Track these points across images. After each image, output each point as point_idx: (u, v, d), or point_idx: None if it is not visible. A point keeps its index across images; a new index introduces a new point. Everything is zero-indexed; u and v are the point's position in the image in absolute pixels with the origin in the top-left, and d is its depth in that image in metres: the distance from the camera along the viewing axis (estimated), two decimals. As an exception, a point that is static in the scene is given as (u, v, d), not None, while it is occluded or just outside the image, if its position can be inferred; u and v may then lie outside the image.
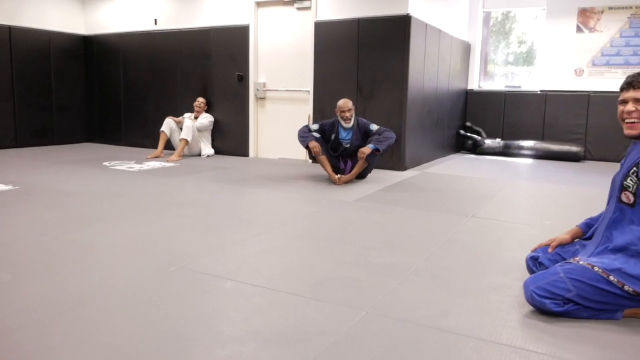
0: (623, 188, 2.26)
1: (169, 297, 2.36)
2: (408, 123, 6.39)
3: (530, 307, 2.29)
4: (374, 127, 5.48)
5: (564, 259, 2.45)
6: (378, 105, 6.43)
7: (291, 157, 7.26)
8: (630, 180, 2.22)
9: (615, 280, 2.15)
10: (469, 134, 8.60)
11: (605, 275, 2.16)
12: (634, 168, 2.21)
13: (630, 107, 2.28)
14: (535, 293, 2.23)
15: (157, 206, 4.27)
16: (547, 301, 2.21)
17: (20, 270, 2.68)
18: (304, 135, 5.47)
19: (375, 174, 6.01)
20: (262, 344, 1.93)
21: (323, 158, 5.47)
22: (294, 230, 3.66)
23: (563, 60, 8.10)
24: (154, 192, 4.84)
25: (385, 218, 4.02)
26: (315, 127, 5.59)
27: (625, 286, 2.14)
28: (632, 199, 2.22)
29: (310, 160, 5.43)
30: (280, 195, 4.82)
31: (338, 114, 5.51)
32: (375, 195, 4.87)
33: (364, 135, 5.53)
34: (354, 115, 5.52)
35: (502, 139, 8.48)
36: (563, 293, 2.19)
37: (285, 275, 2.70)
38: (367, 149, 5.26)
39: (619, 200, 2.30)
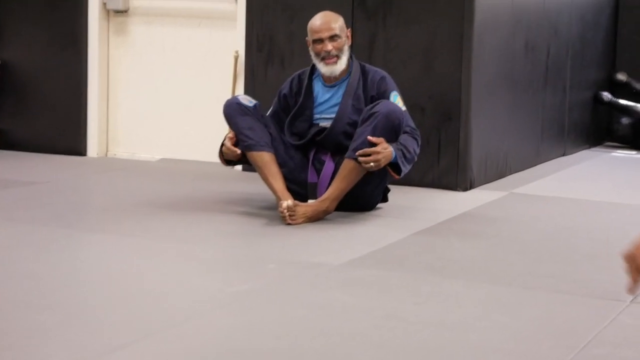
0: None
1: None
2: (475, 80, 2.78)
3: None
4: (397, 98, 2.38)
5: None
6: (403, 35, 2.86)
7: (193, 158, 3.38)
8: None
9: None
10: (622, 103, 4.03)
11: None
12: None
13: None
14: None
15: None
16: None
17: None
18: (233, 114, 2.40)
19: (399, 196, 2.79)
20: None
21: (266, 157, 2.32)
22: (193, 339, 1.31)
23: None
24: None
25: (415, 313, 1.39)
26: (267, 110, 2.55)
27: None
28: None
29: (231, 166, 2.42)
30: (167, 252, 1.96)
31: (310, 46, 2.46)
32: (396, 253, 2.00)
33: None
34: (347, 52, 2.42)
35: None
36: None
37: None
38: (387, 154, 2.20)
39: None
